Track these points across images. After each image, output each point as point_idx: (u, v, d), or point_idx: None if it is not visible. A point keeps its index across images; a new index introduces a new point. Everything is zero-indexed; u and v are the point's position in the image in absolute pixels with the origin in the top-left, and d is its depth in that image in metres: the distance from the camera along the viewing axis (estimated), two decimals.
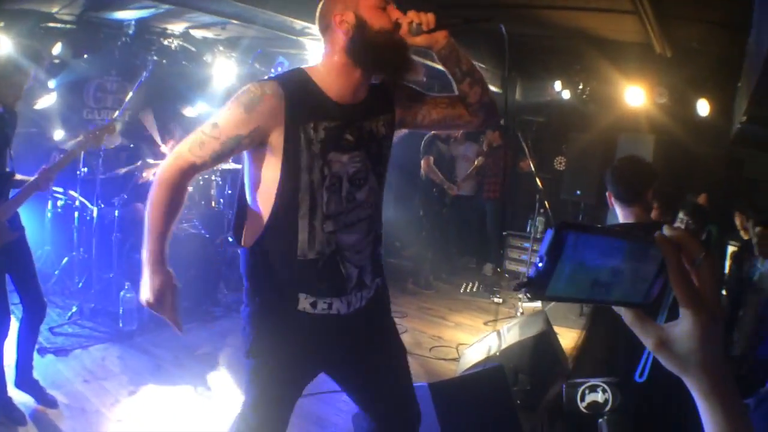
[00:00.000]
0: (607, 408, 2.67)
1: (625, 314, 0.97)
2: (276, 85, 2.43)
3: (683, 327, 0.92)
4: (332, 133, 2.50)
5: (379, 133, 2.67)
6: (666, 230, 0.94)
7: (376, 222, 2.71)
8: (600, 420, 2.72)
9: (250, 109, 2.40)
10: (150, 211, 2.47)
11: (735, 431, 0.90)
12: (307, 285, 2.57)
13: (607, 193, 3.74)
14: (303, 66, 2.60)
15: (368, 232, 2.67)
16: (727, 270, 6.42)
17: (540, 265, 0.88)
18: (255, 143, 2.45)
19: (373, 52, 2.49)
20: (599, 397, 2.67)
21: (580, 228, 0.89)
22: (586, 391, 2.71)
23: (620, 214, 3.72)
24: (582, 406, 2.74)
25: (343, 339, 2.77)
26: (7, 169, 4.32)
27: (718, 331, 0.92)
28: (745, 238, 6.15)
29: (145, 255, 2.50)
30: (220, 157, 2.49)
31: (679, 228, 0.95)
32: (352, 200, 2.58)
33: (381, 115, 2.67)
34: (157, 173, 2.46)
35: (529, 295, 0.90)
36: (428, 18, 2.52)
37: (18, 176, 4.44)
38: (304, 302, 2.58)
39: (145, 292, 2.52)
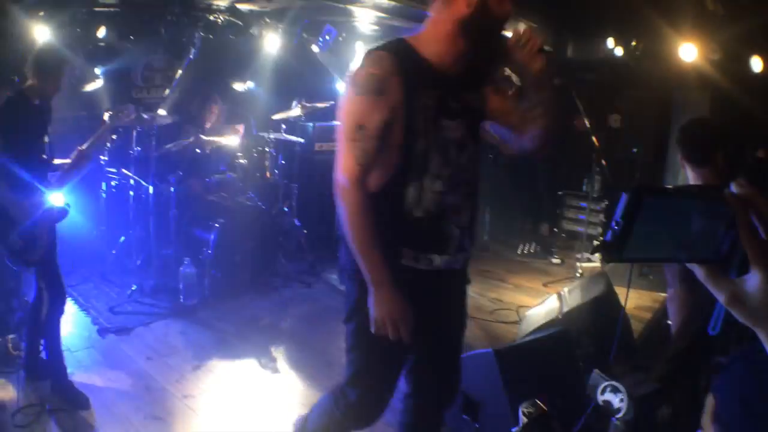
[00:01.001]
0: (618, 415, 2.65)
1: (698, 270, 0.98)
2: (392, 61, 2.55)
3: (754, 282, 0.92)
4: (440, 100, 2.63)
5: (475, 106, 2.79)
6: (735, 187, 0.94)
7: (474, 186, 2.84)
8: (612, 419, 2.70)
9: (381, 93, 2.53)
10: (357, 240, 2.63)
11: None
12: (412, 241, 2.71)
13: (679, 156, 3.67)
14: (404, 36, 2.71)
15: (468, 195, 2.79)
16: None
17: (616, 228, 0.89)
18: (393, 116, 2.55)
19: (487, 32, 2.61)
20: (616, 400, 2.65)
21: (655, 191, 0.90)
22: (608, 389, 2.69)
23: (690, 176, 3.64)
24: (600, 399, 2.72)
25: (435, 295, 2.85)
26: (44, 156, 4.33)
27: None
28: None
29: (373, 280, 2.64)
30: (380, 147, 2.59)
31: (748, 185, 0.95)
32: (457, 163, 2.71)
33: (475, 91, 2.78)
34: (343, 202, 2.61)
35: (606, 258, 0.92)
36: (538, 40, 2.60)
37: (57, 161, 4.46)
38: (408, 256, 2.70)
39: (380, 315, 2.64)
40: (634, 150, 9.45)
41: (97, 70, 7.16)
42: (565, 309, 5.14)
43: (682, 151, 3.63)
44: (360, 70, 2.56)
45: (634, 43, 9.59)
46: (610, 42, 9.62)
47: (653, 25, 8.85)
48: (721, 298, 0.97)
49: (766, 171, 6.06)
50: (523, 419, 3.07)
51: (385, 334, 2.64)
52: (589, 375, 2.91)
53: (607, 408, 2.69)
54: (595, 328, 4.96)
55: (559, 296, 5.38)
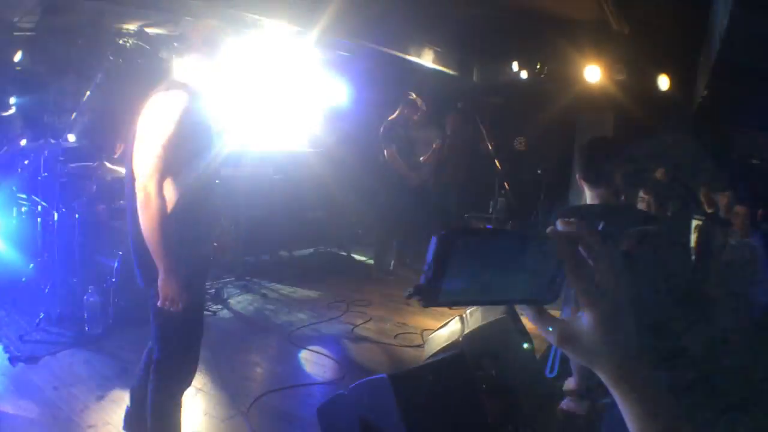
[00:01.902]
0: None
1: (528, 311, 0.97)
2: None
3: (584, 320, 0.91)
4: None
5: None
6: (560, 224, 0.94)
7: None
8: None
9: None
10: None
11: (652, 418, 0.89)
12: None
13: (576, 175, 3.74)
14: None
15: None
16: (693, 243, 6.45)
17: (428, 271, 0.87)
18: None
19: None
20: None
21: (465, 233, 0.89)
22: None
23: (588, 195, 3.72)
24: None
25: None
26: None
27: (622, 322, 0.91)
28: (709, 211, 6.20)
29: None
30: None
31: (576, 222, 0.94)
32: None
33: None
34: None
35: (422, 303, 0.89)
36: None
37: None
38: None
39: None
40: (539, 171, 9.66)
41: (12, 99, 7.13)
42: (467, 331, 5.24)
43: (578, 170, 3.71)
44: None
45: (538, 66, 9.78)
46: (515, 65, 9.81)
47: (557, 47, 9.05)
48: (551, 338, 0.95)
49: (664, 191, 6.27)
50: None
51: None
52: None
53: None
54: (496, 350, 5.06)
55: (461, 318, 5.48)
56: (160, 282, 3.47)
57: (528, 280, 0.94)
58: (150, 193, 3.33)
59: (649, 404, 0.90)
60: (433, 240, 0.87)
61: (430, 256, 0.87)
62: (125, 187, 3.73)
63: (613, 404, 0.95)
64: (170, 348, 3.84)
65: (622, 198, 4.19)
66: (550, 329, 0.95)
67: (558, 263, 0.93)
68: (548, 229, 0.93)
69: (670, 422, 0.89)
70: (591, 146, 3.90)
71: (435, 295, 0.88)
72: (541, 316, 0.96)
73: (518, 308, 1.04)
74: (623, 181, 3.83)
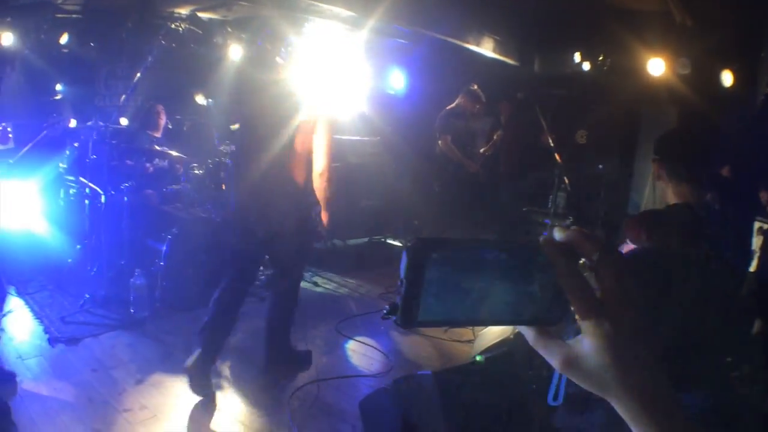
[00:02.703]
0: None
1: (527, 333, 0.85)
2: None
3: (588, 341, 0.79)
4: None
5: None
6: (556, 232, 0.81)
7: None
8: None
9: None
10: None
11: None
12: None
13: (655, 164, 3.49)
14: None
15: None
16: (755, 247, 6.19)
17: (402, 290, 0.77)
18: None
19: None
20: None
21: (439, 245, 0.77)
22: None
23: (666, 193, 3.47)
24: None
25: None
26: None
27: (633, 341, 0.79)
28: None
29: None
30: None
31: (570, 228, 0.82)
32: None
33: None
34: None
35: (400, 324, 0.78)
36: None
37: None
38: None
39: None
40: (600, 166, 9.46)
41: (59, 86, 7.16)
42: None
43: (664, 163, 3.45)
44: None
45: (601, 58, 9.59)
46: (577, 57, 9.61)
47: (621, 39, 8.86)
48: (554, 363, 0.83)
49: (728, 189, 6.02)
50: None
51: None
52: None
53: None
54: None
55: None
56: (325, 216, 5.14)
57: (524, 298, 0.82)
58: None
59: None
60: (404, 254, 0.77)
61: (402, 271, 0.76)
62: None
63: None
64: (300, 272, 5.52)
65: (708, 197, 3.92)
66: (552, 354, 0.83)
67: (555, 279, 0.80)
68: (541, 239, 0.81)
69: None
70: (683, 139, 3.64)
71: (412, 315, 0.77)
72: (542, 339, 0.84)
73: (519, 329, 0.86)
74: (707, 180, 3.58)
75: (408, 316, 0.77)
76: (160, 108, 7.57)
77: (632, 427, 0.79)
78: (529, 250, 0.81)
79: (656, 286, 2.25)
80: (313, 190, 5.03)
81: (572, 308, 0.80)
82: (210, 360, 4.89)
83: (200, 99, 8.77)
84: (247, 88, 5.46)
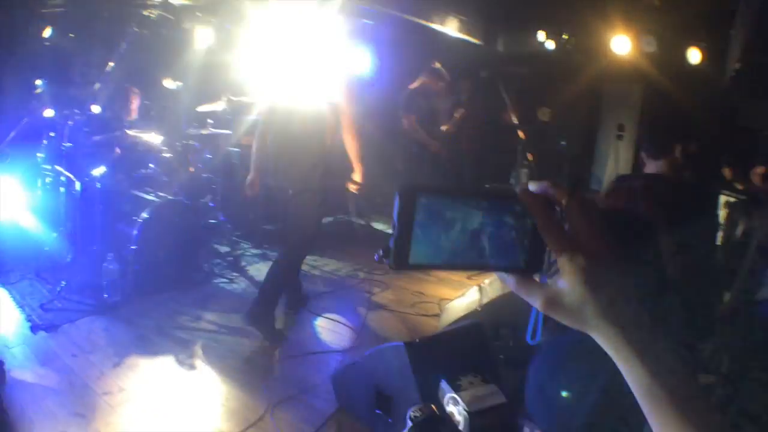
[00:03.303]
0: (460, 428, 2.65)
1: (509, 280, 0.91)
2: None
3: (565, 277, 0.85)
4: None
5: None
6: (530, 184, 0.88)
7: None
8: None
9: None
10: None
11: (659, 384, 0.83)
12: None
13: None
14: None
15: None
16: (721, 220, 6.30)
17: (394, 232, 0.83)
18: None
19: None
20: (456, 413, 2.65)
21: (428, 189, 0.83)
22: (450, 401, 2.70)
23: (647, 168, 3.57)
24: (446, 408, 2.73)
25: None
26: None
27: (608, 273, 0.85)
28: (740, 187, 6.07)
29: None
30: None
31: (548, 182, 0.89)
32: None
33: None
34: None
35: (391, 266, 0.84)
36: None
37: None
38: None
39: None
40: (563, 143, 9.57)
41: (39, 81, 7.19)
42: (485, 300, 5.20)
43: (640, 141, 3.54)
44: None
45: (565, 37, 9.65)
46: (541, 35, 9.68)
47: (585, 17, 8.90)
48: (536, 304, 0.89)
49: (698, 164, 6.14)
50: (409, 423, 3.04)
51: None
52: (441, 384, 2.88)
53: (452, 419, 2.70)
54: (515, 320, 5.00)
55: (480, 288, 5.44)
56: (360, 176, 6.30)
57: (505, 246, 0.89)
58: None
59: (650, 365, 0.84)
60: (396, 196, 0.82)
61: (395, 213, 0.82)
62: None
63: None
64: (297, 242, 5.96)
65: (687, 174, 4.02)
66: (534, 295, 0.89)
67: (533, 227, 0.88)
68: (518, 189, 0.88)
69: (673, 380, 0.84)
70: (654, 117, 3.74)
71: (404, 257, 0.83)
72: (523, 283, 0.90)
73: (498, 276, 0.94)
74: (682, 155, 3.67)
75: (400, 258, 0.83)
76: (135, 90, 7.59)
77: (614, 358, 0.86)
78: (508, 199, 0.88)
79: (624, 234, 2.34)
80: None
81: (548, 248, 0.87)
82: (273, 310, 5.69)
83: (168, 83, 8.79)
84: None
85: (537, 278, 0.91)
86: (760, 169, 6.22)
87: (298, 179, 5.77)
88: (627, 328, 0.85)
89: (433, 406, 3.05)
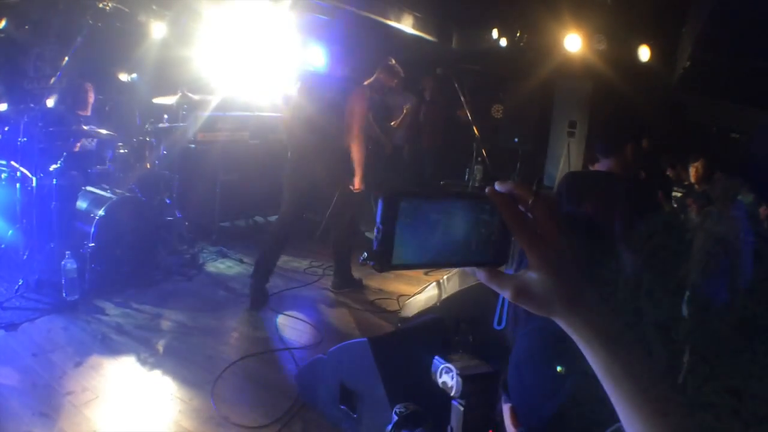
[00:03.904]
0: (452, 393, 2.73)
1: (480, 274, 0.97)
2: None
3: (533, 269, 0.92)
4: None
5: None
6: (497, 184, 0.94)
7: None
8: (453, 401, 2.78)
9: None
10: None
11: (620, 364, 0.90)
12: None
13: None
14: None
15: None
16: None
17: (378, 235, 0.88)
18: None
19: None
20: (449, 380, 2.73)
21: (410, 194, 0.89)
22: (444, 371, 2.78)
23: (598, 166, 3.64)
24: (440, 381, 2.81)
25: None
26: None
27: (571, 265, 0.93)
28: (685, 183, 6.20)
29: None
30: None
31: (510, 180, 0.95)
32: None
33: None
34: None
35: (376, 267, 0.90)
36: None
37: None
38: None
39: None
40: (516, 140, 9.68)
41: None
42: (444, 296, 5.26)
43: (592, 139, 3.60)
44: None
45: (518, 34, 9.74)
46: (495, 33, 9.76)
47: (538, 15, 8.99)
48: (507, 294, 0.95)
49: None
50: (395, 418, 3.13)
51: None
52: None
53: (446, 390, 2.78)
54: (473, 315, 5.06)
55: (439, 284, 5.49)
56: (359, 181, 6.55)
57: (476, 242, 0.95)
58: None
59: (610, 345, 0.91)
60: (380, 202, 0.88)
61: (378, 218, 0.88)
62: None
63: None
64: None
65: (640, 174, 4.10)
66: (504, 286, 0.95)
67: (501, 223, 0.94)
68: (486, 189, 0.94)
69: (630, 359, 0.91)
70: (606, 115, 3.81)
71: (388, 258, 0.89)
72: (494, 276, 0.96)
73: (469, 270, 1.01)
74: (633, 154, 3.74)
75: (384, 260, 0.89)
76: (89, 86, 7.53)
77: (577, 342, 0.94)
78: (478, 198, 0.94)
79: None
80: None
81: (518, 243, 0.93)
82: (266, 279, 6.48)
83: (123, 76, 8.73)
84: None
85: (503, 270, 0.97)
86: (696, 164, 6.36)
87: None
88: (589, 313, 0.92)
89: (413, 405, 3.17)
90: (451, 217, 0.92)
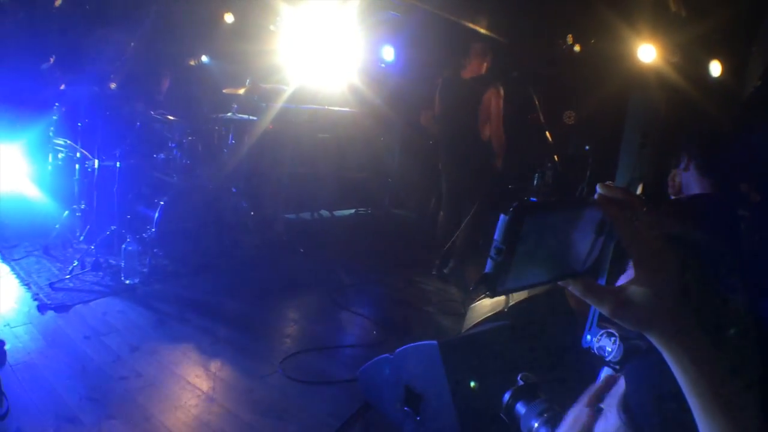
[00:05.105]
0: (609, 358, 2.59)
1: (575, 286, 0.92)
2: None
3: (638, 282, 0.90)
4: None
5: None
6: (601, 189, 0.92)
7: None
8: (604, 367, 2.65)
9: None
10: None
11: (706, 380, 0.90)
12: None
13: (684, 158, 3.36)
14: None
15: None
16: None
17: (498, 256, 0.82)
18: None
19: None
20: (609, 343, 2.58)
21: (535, 208, 0.83)
22: (603, 335, 2.62)
23: (692, 184, 3.36)
24: (596, 346, 2.65)
25: None
26: None
27: (671, 281, 0.90)
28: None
29: None
30: None
31: (615, 186, 0.94)
32: None
33: None
34: None
35: (491, 293, 0.84)
36: None
37: None
38: None
39: None
40: (587, 147, 9.49)
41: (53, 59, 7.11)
42: (512, 302, 5.09)
43: (690, 150, 3.34)
44: None
45: (593, 41, 9.60)
46: (569, 38, 9.63)
47: (613, 24, 8.87)
48: (604, 309, 0.92)
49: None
50: (520, 382, 3.03)
51: None
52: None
53: (601, 354, 2.63)
54: (543, 322, 4.91)
55: None
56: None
57: (577, 253, 0.92)
58: None
59: (701, 366, 0.90)
60: (502, 218, 0.82)
61: (499, 236, 0.82)
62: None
63: (646, 351, 1.05)
64: None
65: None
66: (603, 300, 0.92)
67: (598, 231, 0.92)
68: (596, 195, 0.92)
69: (721, 380, 0.90)
70: (714, 129, 3.56)
71: (504, 279, 0.83)
72: (591, 289, 0.93)
73: (562, 283, 0.94)
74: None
75: (499, 283, 0.83)
76: (162, 72, 7.52)
77: (666, 354, 0.93)
78: (583, 205, 0.90)
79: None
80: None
81: (630, 254, 0.90)
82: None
83: (194, 62, 8.71)
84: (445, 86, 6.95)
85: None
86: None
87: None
88: (683, 332, 0.91)
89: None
90: (561, 230, 0.89)
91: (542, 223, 0.84)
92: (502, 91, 6.86)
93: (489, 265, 0.82)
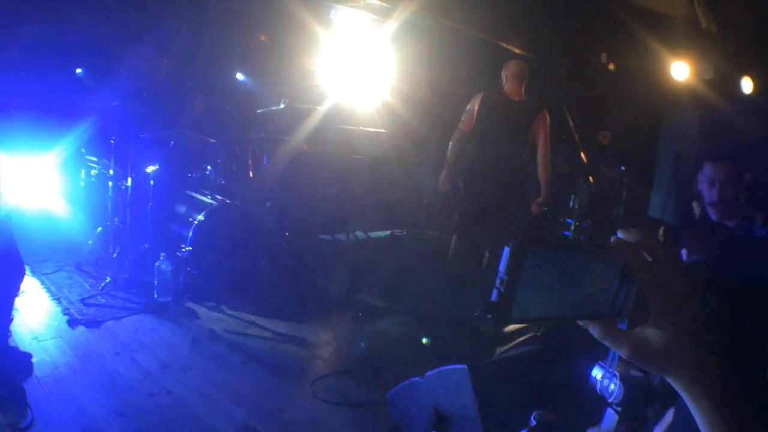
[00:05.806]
0: (611, 399, 2.60)
1: (594, 328, 0.94)
2: None
3: (656, 325, 0.91)
4: None
5: None
6: (622, 233, 0.93)
7: None
8: (607, 409, 2.67)
9: None
10: None
11: (727, 426, 0.90)
12: None
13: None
14: None
15: None
16: None
17: (501, 286, 0.84)
18: None
19: None
20: (611, 385, 2.59)
21: (539, 244, 0.86)
22: (606, 376, 2.63)
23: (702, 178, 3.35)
24: (599, 387, 2.67)
25: None
26: None
27: (690, 327, 0.91)
28: None
29: None
30: None
31: (637, 230, 0.94)
32: None
33: None
34: None
35: (494, 322, 0.87)
36: None
37: None
38: None
39: None
40: (622, 168, 9.41)
41: (79, 70, 7.17)
42: (543, 327, 5.06)
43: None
44: None
45: (626, 59, 9.56)
46: (603, 57, 9.59)
47: (646, 42, 8.83)
48: (622, 352, 0.93)
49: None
50: (533, 422, 3.04)
51: None
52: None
53: (604, 396, 2.64)
54: (579, 346, 4.85)
55: None
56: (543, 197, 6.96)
57: (595, 294, 0.93)
58: None
59: (723, 411, 0.90)
60: (506, 251, 0.85)
61: (502, 267, 0.85)
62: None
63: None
64: None
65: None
66: (621, 343, 0.94)
67: (620, 275, 0.92)
68: (612, 239, 0.93)
69: (741, 427, 0.90)
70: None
71: (507, 311, 0.85)
72: (609, 332, 0.94)
73: (581, 323, 0.96)
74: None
75: (504, 313, 0.85)
76: (196, 91, 7.57)
77: (687, 399, 0.93)
78: (602, 249, 0.91)
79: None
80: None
81: (648, 298, 0.90)
82: None
83: (226, 78, 8.78)
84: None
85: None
86: None
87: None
88: (702, 375, 0.92)
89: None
90: (573, 267, 0.90)
91: (549, 259, 0.86)
92: (548, 118, 6.74)
93: (494, 294, 0.85)
